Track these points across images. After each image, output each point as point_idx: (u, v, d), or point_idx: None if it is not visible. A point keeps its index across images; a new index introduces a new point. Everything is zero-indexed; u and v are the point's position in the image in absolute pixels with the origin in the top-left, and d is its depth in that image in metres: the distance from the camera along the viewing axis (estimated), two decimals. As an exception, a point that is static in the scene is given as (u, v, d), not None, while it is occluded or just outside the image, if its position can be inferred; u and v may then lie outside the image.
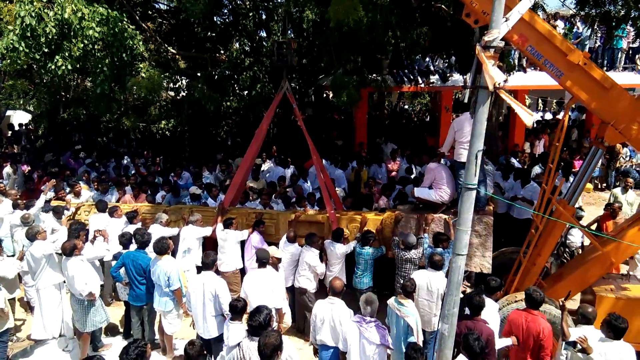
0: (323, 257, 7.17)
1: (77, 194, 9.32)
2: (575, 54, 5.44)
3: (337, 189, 9.44)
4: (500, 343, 5.15)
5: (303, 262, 7.00)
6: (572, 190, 6.31)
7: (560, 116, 19.19)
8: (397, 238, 6.96)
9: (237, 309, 4.99)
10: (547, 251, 6.31)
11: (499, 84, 3.91)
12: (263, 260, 6.16)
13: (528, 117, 4.05)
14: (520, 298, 5.92)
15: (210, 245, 7.99)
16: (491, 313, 5.30)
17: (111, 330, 7.43)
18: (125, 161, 13.30)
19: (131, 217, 7.89)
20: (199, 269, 6.56)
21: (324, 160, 11.13)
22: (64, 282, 6.69)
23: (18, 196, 8.90)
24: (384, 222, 7.41)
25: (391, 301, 5.54)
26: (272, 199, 9.14)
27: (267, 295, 5.92)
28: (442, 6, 9.56)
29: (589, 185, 12.43)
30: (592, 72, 5.48)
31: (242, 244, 7.70)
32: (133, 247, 6.90)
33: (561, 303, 5.20)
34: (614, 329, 4.61)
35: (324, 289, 7.00)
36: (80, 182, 10.19)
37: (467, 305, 5.23)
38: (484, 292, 5.54)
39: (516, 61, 14.02)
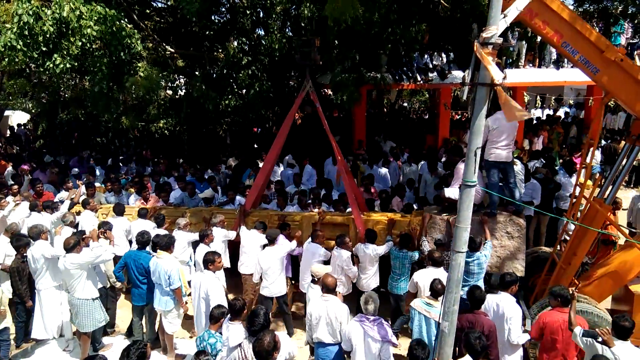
0: (355, 260, 7.01)
1: (92, 195, 9.05)
2: (611, 50, 5.38)
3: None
4: (523, 338, 5.24)
5: (335, 265, 6.81)
6: (606, 188, 6.26)
7: (560, 113, 19.18)
8: (424, 238, 6.89)
9: (236, 307, 4.94)
10: (582, 250, 6.24)
11: (498, 80, 3.91)
12: (271, 238, 6.96)
13: (516, 115, 4.10)
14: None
15: (231, 248, 7.86)
16: (510, 306, 5.31)
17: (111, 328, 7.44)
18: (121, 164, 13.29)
19: (160, 220, 7.72)
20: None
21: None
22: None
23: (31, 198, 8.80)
24: (411, 223, 7.30)
25: (417, 303, 5.47)
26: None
27: (278, 267, 6.87)
28: (442, 1, 9.54)
29: (589, 182, 12.42)
30: (628, 68, 5.42)
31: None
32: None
33: (571, 292, 5.20)
34: (617, 328, 4.55)
35: (355, 292, 7.03)
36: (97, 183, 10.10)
37: (468, 299, 5.24)
38: (500, 287, 5.52)
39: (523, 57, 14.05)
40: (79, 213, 8.34)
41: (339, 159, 8.27)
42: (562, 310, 5.13)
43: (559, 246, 7.42)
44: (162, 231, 7.45)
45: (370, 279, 7.01)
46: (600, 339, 4.52)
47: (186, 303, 6.60)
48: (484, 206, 7.02)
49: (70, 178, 10.52)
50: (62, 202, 8.65)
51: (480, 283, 6.25)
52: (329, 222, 7.76)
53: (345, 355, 5.26)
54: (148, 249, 6.82)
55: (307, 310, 5.53)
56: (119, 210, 8.10)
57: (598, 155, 13.36)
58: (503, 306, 5.33)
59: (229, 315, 4.99)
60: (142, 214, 8.01)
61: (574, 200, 6.77)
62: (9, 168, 11.84)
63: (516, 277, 5.64)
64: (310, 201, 8.77)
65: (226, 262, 7.59)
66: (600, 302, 6.25)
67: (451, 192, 7.01)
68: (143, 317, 6.88)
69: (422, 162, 11.24)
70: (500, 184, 6.87)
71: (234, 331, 4.73)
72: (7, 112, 20.20)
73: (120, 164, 13.33)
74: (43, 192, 9.56)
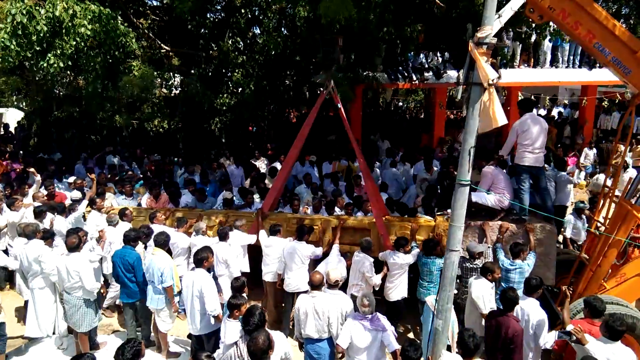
0: (383, 267, 6.83)
1: (101, 195, 8.74)
2: None
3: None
4: (550, 340, 5.12)
5: (355, 271, 6.68)
6: (634, 188, 6.20)
7: (554, 113, 19.26)
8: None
9: (234, 304, 4.95)
10: (612, 253, 6.16)
11: (492, 80, 3.92)
12: (301, 233, 6.96)
13: (497, 121, 4.04)
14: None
15: (250, 253, 7.64)
16: (536, 311, 5.26)
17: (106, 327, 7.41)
18: (115, 160, 13.18)
19: (182, 222, 7.54)
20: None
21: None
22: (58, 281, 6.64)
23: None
24: (437, 229, 7.12)
25: (431, 300, 5.46)
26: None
27: (301, 262, 6.82)
28: (437, 1, 9.53)
29: (583, 182, 12.55)
30: None
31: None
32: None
33: (563, 289, 5.19)
34: (611, 330, 4.55)
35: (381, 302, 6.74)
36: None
37: (500, 300, 5.21)
38: (525, 291, 5.45)
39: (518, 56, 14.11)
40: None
41: (360, 161, 8.08)
42: (592, 322, 4.98)
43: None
44: (179, 234, 7.32)
45: (397, 289, 6.79)
46: (574, 338, 4.56)
47: (178, 302, 6.58)
48: (512, 211, 6.94)
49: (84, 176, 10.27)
50: (76, 201, 8.45)
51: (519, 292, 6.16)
52: (351, 226, 7.54)
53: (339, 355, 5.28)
54: (140, 247, 6.81)
55: (295, 307, 5.55)
56: (123, 215, 7.79)
57: (592, 155, 13.45)
58: (528, 311, 5.26)
59: (227, 312, 5.01)
60: (151, 217, 7.73)
61: (601, 202, 6.69)
62: (38, 177, 11.50)
63: (541, 282, 5.50)
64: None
65: (245, 267, 7.42)
66: (631, 302, 6.11)
67: (478, 196, 6.86)
68: (134, 315, 6.83)
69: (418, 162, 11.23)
70: (530, 190, 6.78)
71: (231, 328, 4.75)
72: (1, 110, 20.09)
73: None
74: (55, 193, 9.39)
